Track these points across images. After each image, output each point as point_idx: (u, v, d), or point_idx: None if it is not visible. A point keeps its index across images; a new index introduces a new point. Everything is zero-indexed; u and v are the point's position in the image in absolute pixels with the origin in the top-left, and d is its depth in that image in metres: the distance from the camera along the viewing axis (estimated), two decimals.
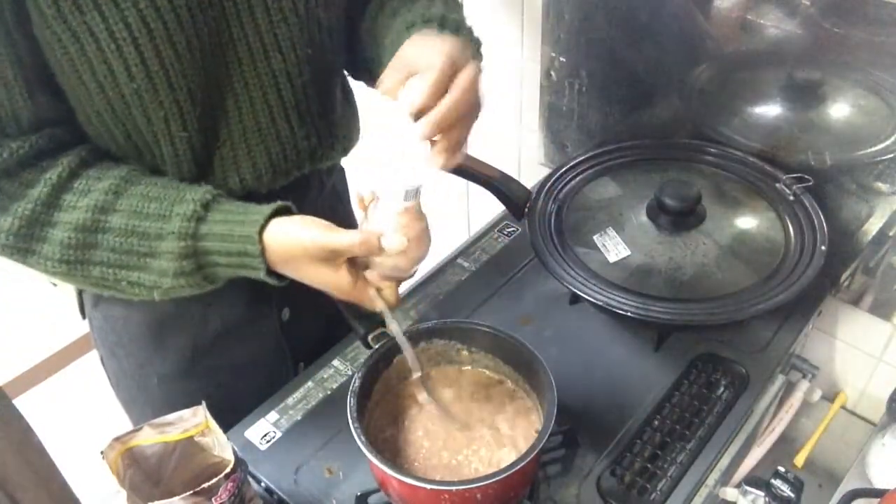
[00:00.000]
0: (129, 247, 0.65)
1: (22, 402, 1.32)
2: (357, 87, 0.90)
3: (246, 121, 0.73)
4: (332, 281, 0.65)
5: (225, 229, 0.64)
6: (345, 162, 1.00)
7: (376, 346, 0.77)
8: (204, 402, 0.73)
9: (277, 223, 0.64)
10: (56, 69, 0.65)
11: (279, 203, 0.66)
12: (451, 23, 0.72)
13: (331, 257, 0.63)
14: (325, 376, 0.92)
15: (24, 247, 0.66)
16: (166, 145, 0.70)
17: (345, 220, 1.03)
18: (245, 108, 0.73)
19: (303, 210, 0.89)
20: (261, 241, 0.63)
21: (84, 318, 0.92)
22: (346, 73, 0.87)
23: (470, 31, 0.75)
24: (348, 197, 1.05)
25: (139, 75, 0.64)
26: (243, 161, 0.75)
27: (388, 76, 0.63)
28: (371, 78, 0.81)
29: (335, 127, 0.83)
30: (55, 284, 0.73)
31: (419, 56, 0.63)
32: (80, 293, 0.89)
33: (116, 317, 0.87)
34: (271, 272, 0.66)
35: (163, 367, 0.89)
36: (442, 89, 0.61)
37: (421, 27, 0.71)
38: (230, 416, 0.84)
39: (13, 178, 0.64)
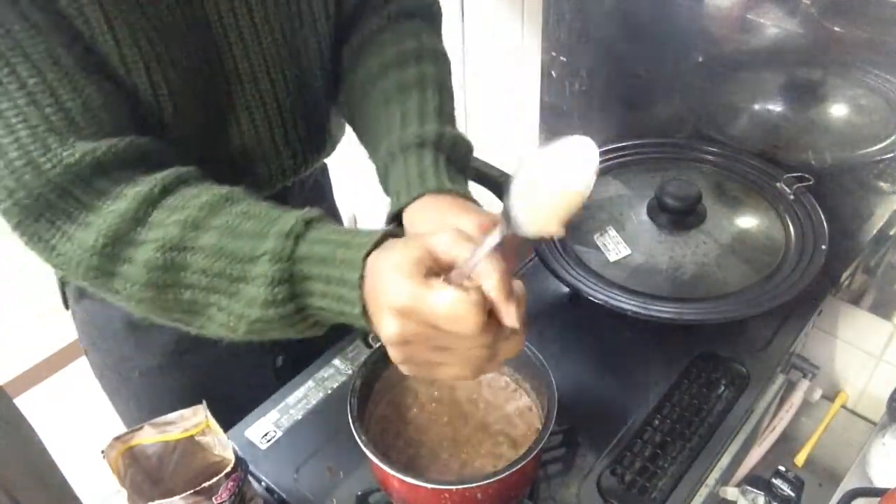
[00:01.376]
0: (219, 269, 0.55)
1: (22, 402, 1.32)
2: None
3: (233, 142, 0.73)
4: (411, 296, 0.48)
5: (326, 251, 0.53)
6: (337, 166, 1.01)
7: (377, 346, 0.77)
8: (204, 402, 0.73)
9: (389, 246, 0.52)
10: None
11: (391, 228, 0.56)
12: (447, 142, 0.68)
13: (427, 265, 0.50)
14: (325, 376, 0.92)
15: (108, 268, 0.57)
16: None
17: (329, 213, 1.03)
18: (233, 130, 0.72)
19: (285, 205, 0.89)
20: (363, 267, 0.51)
21: (67, 308, 0.92)
22: None
23: (460, 143, 0.70)
24: (332, 192, 1.05)
25: (146, 98, 0.63)
26: (227, 179, 0.74)
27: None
28: (347, 119, 0.81)
29: (321, 140, 0.83)
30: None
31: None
32: (62, 285, 0.88)
33: (98, 310, 0.86)
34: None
35: (144, 362, 0.89)
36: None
37: (416, 154, 0.65)
38: (215, 411, 0.84)
39: (89, 186, 0.57)
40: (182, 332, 0.86)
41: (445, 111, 0.72)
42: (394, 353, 0.53)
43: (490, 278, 0.49)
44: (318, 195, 1.00)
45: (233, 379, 0.92)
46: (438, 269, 0.50)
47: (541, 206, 0.48)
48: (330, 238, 0.54)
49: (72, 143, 0.57)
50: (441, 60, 0.77)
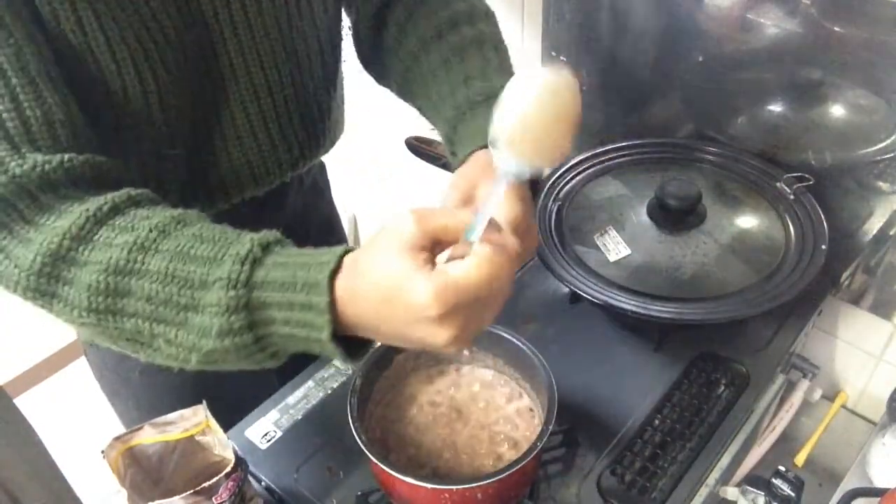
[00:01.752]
0: (166, 295, 0.51)
1: (23, 402, 1.32)
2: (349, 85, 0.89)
3: (228, 134, 0.73)
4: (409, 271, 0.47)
5: (286, 275, 0.50)
6: (338, 166, 1.01)
7: (377, 345, 0.77)
8: (204, 402, 0.73)
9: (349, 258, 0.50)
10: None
11: (346, 247, 0.52)
12: (496, 94, 0.68)
13: (419, 239, 0.47)
14: (325, 376, 0.92)
15: (47, 289, 0.53)
16: (152, 165, 0.69)
17: (326, 213, 1.04)
18: (227, 122, 0.72)
19: (282, 209, 0.90)
20: (331, 290, 0.48)
21: None
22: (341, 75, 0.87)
23: None
24: (330, 191, 1.05)
25: (135, 96, 0.63)
26: (227, 172, 0.75)
27: (450, 199, 0.58)
28: (398, 93, 0.79)
29: (318, 135, 0.83)
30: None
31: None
32: None
33: None
34: (342, 337, 0.51)
35: (144, 361, 0.89)
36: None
37: (483, 108, 0.65)
38: (215, 412, 0.84)
39: (34, 200, 0.54)
40: None
41: (505, 67, 0.72)
42: (451, 349, 0.49)
43: (509, 219, 0.52)
44: (316, 194, 0.99)
45: (234, 379, 0.92)
46: (430, 243, 0.48)
47: (536, 140, 0.48)
48: (289, 261, 0.51)
49: (23, 153, 0.53)
50: (492, 18, 0.78)
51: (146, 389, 0.92)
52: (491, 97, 0.63)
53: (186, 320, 0.51)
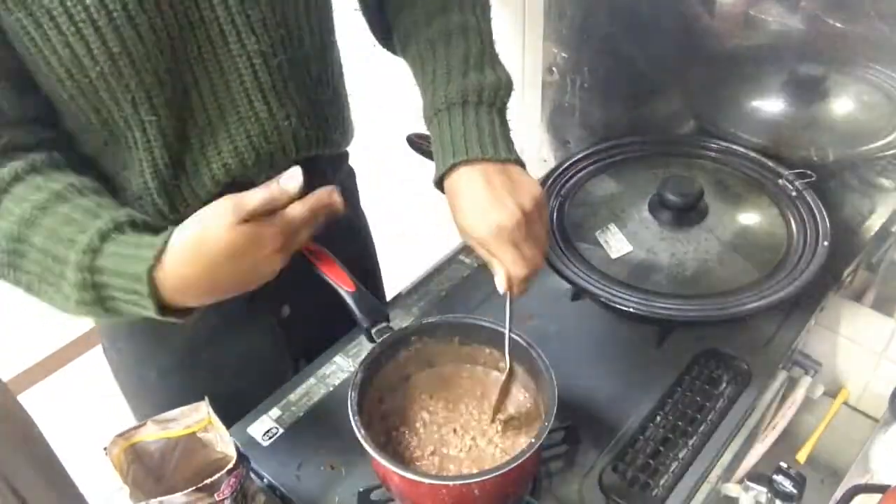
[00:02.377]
0: (47, 265, 0.64)
1: (26, 399, 1.32)
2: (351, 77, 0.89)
3: (223, 102, 0.73)
4: (253, 233, 0.61)
5: (117, 264, 0.62)
6: (356, 164, 1.00)
7: (379, 341, 0.77)
8: (206, 399, 0.73)
9: (173, 243, 0.62)
10: (26, 57, 0.65)
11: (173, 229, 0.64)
12: (489, 91, 0.74)
13: (240, 212, 0.61)
14: (327, 373, 0.92)
15: None
16: (137, 130, 0.69)
17: (352, 221, 1.03)
18: (221, 89, 0.72)
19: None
20: (150, 280, 0.61)
21: None
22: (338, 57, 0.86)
23: (504, 87, 0.76)
24: (358, 199, 1.04)
25: (102, 58, 0.63)
26: (224, 144, 0.74)
27: None
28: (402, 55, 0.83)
29: (318, 109, 0.81)
30: None
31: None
32: None
33: None
34: (169, 307, 0.63)
35: (162, 362, 0.89)
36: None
37: (459, 114, 0.72)
38: (229, 410, 0.84)
39: None
40: (198, 331, 0.86)
41: (487, 55, 0.77)
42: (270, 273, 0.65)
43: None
44: (345, 197, 0.98)
45: (251, 381, 0.92)
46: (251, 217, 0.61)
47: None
48: (121, 251, 0.63)
49: None
50: (480, 6, 0.82)
51: (163, 390, 0.92)
52: (467, 100, 0.72)
53: (60, 287, 0.64)
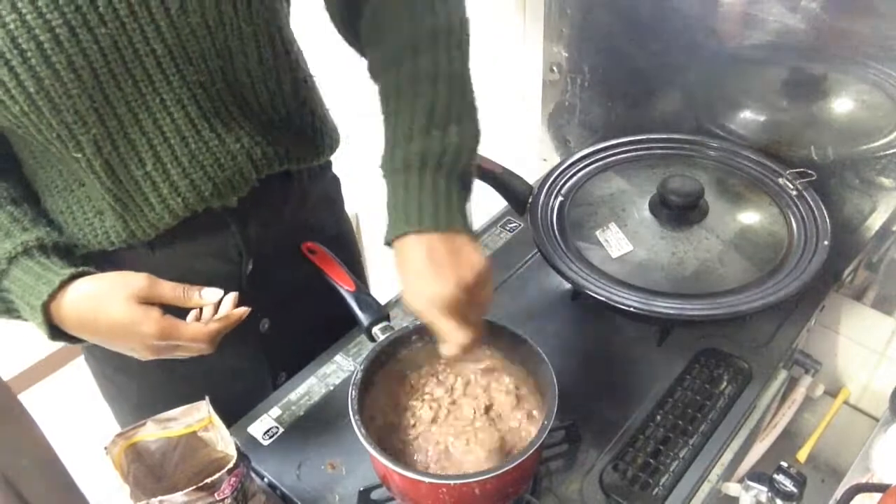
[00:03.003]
0: None
1: (26, 398, 1.32)
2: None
3: (169, 136, 0.71)
4: (140, 318, 0.66)
5: (18, 290, 0.69)
6: (338, 164, 0.99)
7: (380, 340, 0.77)
8: (207, 398, 0.73)
9: (74, 292, 0.68)
10: None
11: (77, 270, 0.69)
12: (450, 155, 0.70)
13: (147, 294, 0.67)
14: (327, 372, 0.92)
15: None
16: (74, 164, 0.69)
17: (333, 227, 1.01)
18: (166, 123, 0.70)
19: (281, 219, 0.87)
20: (44, 311, 0.68)
21: None
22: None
23: (465, 151, 0.73)
24: (342, 205, 1.03)
25: (20, 97, 0.62)
26: (178, 179, 0.73)
27: None
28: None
29: (276, 128, 0.79)
30: None
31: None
32: None
33: None
34: (63, 333, 0.71)
35: (140, 372, 0.88)
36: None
37: (417, 180, 0.69)
38: (221, 413, 0.83)
39: None
40: None
41: (454, 108, 0.73)
42: (141, 356, 0.71)
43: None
44: (326, 206, 0.97)
45: (230, 393, 0.91)
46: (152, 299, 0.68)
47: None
48: (24, 279, 0.69)
49: None
50: (455, 37, 0.75)
51: (144, 397, 0.91)
52: (425, 164, 0.69)
53: None
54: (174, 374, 0.88)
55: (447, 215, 0.69)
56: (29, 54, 0.60)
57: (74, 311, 0.68)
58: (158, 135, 0.70)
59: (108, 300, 0.67)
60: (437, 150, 0.70)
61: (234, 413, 0.87)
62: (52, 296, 0.67)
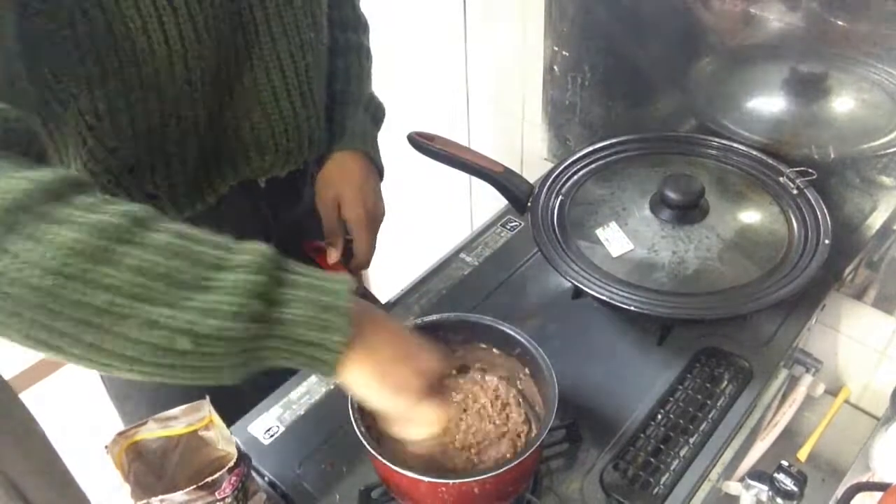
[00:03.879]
0: (166, 271, 0.45)
1: (27, 397, 1.32)
2: None
3: (250, 101, 0.75)
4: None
5: (306, 280, 0.50)
6: None
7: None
8: (208, 397, 0.73)
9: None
10: (66, 52, 0.62)
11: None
12: (374, 104, 0.94)
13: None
14: None
15: None
16: (173, 126, 0.71)
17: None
18: (250, 88, 0.74)
19: (299, 201, 0.91)
20: (349, 313, 0.50)
21: None
22: None
23: (381, 107, 0.96)
24: None
25: (161, 53, 0.65)
26: (249, 140, 0.76)
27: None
28: None
29: (332, 112, 0.86)
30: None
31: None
32: None
33: None
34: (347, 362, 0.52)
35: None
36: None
37: (352, 108, 0.91)
38: (222, 413, 0.84)
39: None
40: None
41: (367, 76, 0.95)
42: (432, 428, 0.60)
43: None
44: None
45: (244, 382, 0.92)
46: None
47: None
48: (304, 269, 0.51)
49: None
50: (368, 32, 0.98)
51: (155, 392, 0.91)
52: (355, 101, 0.91)
53: (188, 300, 0.45)
54: None
55: (375, 148, 0.92)
56: (179, 12, 0.64)
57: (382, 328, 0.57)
58: (241, 95, 0.75)
59: (404, 344, 0.57)
60: (376, 102, 0.95)
61: (243, 407, 0.88)
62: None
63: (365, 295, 0.82)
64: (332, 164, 0.87)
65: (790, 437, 1.10)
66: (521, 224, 1.13)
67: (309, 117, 0.80)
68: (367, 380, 0.53)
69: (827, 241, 0.90)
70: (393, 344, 0.53)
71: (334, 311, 0.49)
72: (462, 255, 1.08)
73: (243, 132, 0.75)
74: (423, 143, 0.99)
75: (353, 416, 0.69)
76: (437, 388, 0.55)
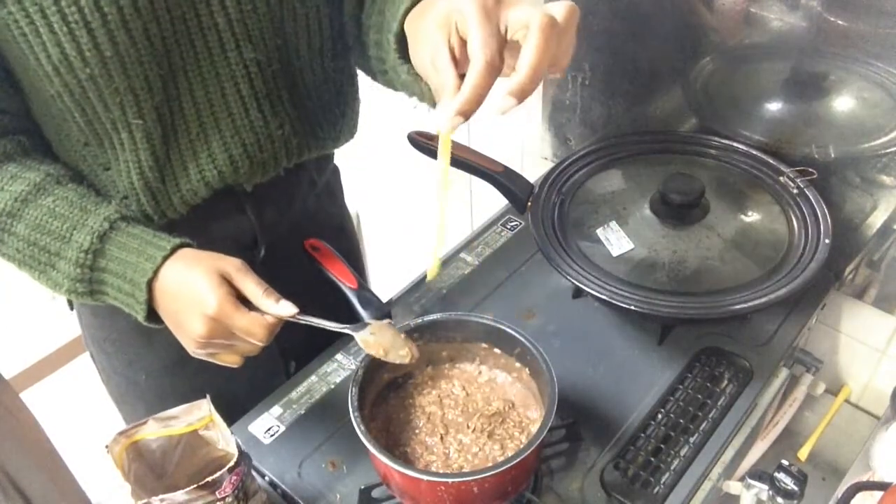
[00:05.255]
0: (30, 253, 0.68)
1: (28, 396, 1.32)
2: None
3: (217, 110, 0.73)
4: (209, 286, 0.64)
5: (118, 269, 0.67)
6: (340, 162, 1.00)
7: None
8: (208, 396, 0.73)
9: (175, 262, 0.67)
10: (10, 51, 0.65)
11: (179, 241, 0.68)
12: None
13: (232, 273, 0.66)
14: (328, 370, 0.92)
15: None
16: (124, 132, 0.70)
17: (337, 218, 1.03)
18: (216, 97, 0.72)
19: (291, 207, 0.89)
20: (149, 290, 0.67)
21: (72, 310, 0.92)
22: (351, 65, 0.86)
23: None
24: (342, 197, 1.04)
25: (93, 60, 0.63)
26: (218, 152, 0.74)
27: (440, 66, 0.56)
28: (375, 59, 0.76)
29: (312, 116, 0.82)
30: None
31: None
32: None
33: (105, 313, 0.87)
34: (153, 314, 0.69)
35: (151, 364, 0.89)
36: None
37: None
38: (222, 413, 0.84)
39: None
40: None
41: None
42: (189, 345, 0.68)
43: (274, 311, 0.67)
44: (329, 197, 0.99)
45: (241, 382, 0.92)
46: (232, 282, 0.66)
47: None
48: (122, 256, 0.67)
49: None
50: None
51: (154, 391, 0.92)
52: None
53: (46, 272, 0.69)
54: (187, 367, 0.88)
55: None
56: (109, 18, 0.62)
57: (164, 282, 0.67)
58: (207, 107, 0.73)
59: (196, 271, 0.66)
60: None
61: (246, 405, 0.88)
62: (156, 273, 0.66)
63: (365, 294, 0.82)
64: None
65: (790, 437, 1.10)
66: (521, 224, 1.13)
67: (282, 125, 0.77)
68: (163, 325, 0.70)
69: (827, 241, 0.90)
70: (171, 311, 0.68)
71: (132, 297, 0.68)
72: (462, 255, 1.08)
73: (213, 144, 0.74)
74: (423, 143, 0.99)
75: (354, 416, 0.69)
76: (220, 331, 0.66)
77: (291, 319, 0.68)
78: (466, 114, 0.54)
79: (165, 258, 0.66)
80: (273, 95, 0.76)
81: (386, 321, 0.73)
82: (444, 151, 0.58)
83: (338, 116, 0.87)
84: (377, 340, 0.71)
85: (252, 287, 0.66)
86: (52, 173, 0.71)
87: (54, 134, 0.74)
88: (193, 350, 0.69)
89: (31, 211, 0.68)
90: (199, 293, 0.65)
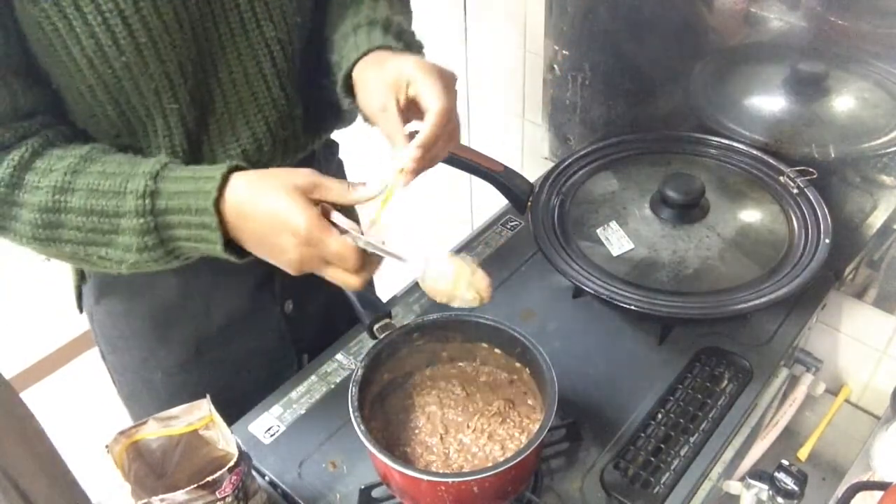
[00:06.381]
0: (91, 225, 0.64)
1: (29, 396, 1.32)
2: None
3: (241, 90, 0.74)
4: (296, 208, 0.60)
5: (181, 204, 0.63)
6: (344, 155, 1.00)
7: (381, 337, 0.77)
8: (208, 396, 0.73)
9: (237, 180, 0.62)
10: (42, 49, 0.65)
11: (231, 164, 0.63)
12: (395, 26, 0.74)
13: (310, 184, 0.61)
14: (328, 370, 0.92)
15: (2, 224, 0.66)
16: (158, 118, 0.70)
17: (346, 211, 1.03)
18: (239, 77, 0.73)
19: None
20: (217, 211, 0.61)
21: (81, 312, 0.92)
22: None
23: (412, 34, 0.77)
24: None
25: (128, 48, 0.64)
26: (242, 131, 0.75)
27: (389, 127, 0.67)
28: (326, 76, 0.79)
29: (331, 93, 0.81)
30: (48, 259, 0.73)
31: (385, 88, 0.67)
32: (78, 288, 0.89)
33: (119, 311, 0.87)
34: (231, 245, 0.64)
35: (166, 361, 0.89)
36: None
37: (366, 30, 0.72)
38: (234, 408, 0.84)
39: None
40: (203, 329, 0.86)
41: (396, 9, 0.79)
42: (287, 268, 0.63)
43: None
44: None
45: (255, 377, 0.92)
46: (312, 192, 0.61)
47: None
48: (179, 188, 0.62)
49: None
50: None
51: (168, 389, 0.92)
52: (374, 22, 0.73)
53: (112, 241, 0.65)
54: (201, 361, 0.89)
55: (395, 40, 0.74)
56: (142, 4, 0.63)
57: (236, 203, 0.61)
58: (231, 87, 0.73)
59: (269, 188, 0.60)
60: (384, 18, 0.74)
61: (243, 406, 0.88)
62: (220, 191, 0.61)
63: (365, 293, 0.82)
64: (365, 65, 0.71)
65: (790, 437, 1.10)
66: (521, 223, 1.13)
67: (303, 102, 0.79)
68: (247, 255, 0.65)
69: (827, 241, 0.90)
70: (256, 232, 0.62)
71: (204, 228, 0.62)
72: (462, 255, 1.08)
73: (237, 122, 0.75)
74: None
75: (354, 416, 0.69)
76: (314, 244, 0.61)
77: (359, 237, 0.62)
78: (417, 172, 0.66)
79: (225, 176, 0.62)
80: (294, 74, 0.77)
81: (462, 254, 0.72)
82: (387, 199, 0.66)
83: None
84: (437, 287, 0.70)
85: (337, 187, 0.62)
86: (96, 146, 0.68)
87: (87, 132, 0.74)
88: (295, 271, 0.64)
89: (82, 179, 0.64)
90: (283, 213, 0.59)
